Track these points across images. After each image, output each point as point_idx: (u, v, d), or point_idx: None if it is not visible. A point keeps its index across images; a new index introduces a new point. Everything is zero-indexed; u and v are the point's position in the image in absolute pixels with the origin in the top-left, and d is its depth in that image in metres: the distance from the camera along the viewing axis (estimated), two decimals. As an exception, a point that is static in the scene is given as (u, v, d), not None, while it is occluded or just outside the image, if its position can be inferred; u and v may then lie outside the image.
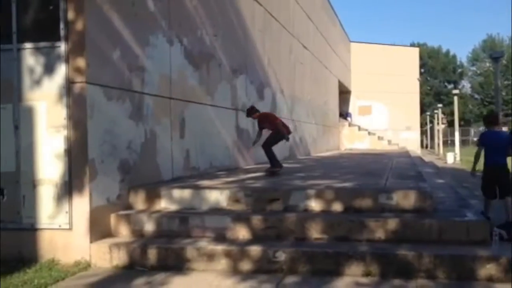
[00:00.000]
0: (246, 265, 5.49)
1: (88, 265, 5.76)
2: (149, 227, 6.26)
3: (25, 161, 6.13)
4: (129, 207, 6.73)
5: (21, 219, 6.10)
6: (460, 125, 29.68)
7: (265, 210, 6.48)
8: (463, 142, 43.74)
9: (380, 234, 5.74)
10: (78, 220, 5.97)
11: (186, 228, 6.18)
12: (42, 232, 6.04)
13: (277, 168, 9.10)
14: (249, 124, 11.70)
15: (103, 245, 5.90)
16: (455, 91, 33.63)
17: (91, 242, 5.92)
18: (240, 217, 6.19)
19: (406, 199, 6.26)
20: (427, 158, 10.30)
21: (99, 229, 6.09)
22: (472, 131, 57.69)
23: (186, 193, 6.80)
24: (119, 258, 5.76)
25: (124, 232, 6.29)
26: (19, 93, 6.15)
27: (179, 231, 6.16)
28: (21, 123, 6.16)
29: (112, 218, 6.35)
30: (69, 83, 6.02)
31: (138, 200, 6.81)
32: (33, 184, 6.10)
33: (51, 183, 6.06)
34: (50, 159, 6.07)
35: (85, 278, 5.38)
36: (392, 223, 5.75)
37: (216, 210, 6.53)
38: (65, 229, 5.98)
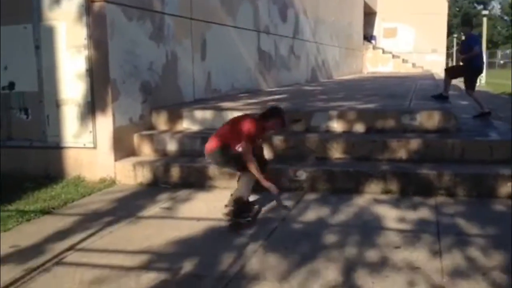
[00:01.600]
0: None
1: (113, 182, 5.94)
2: (171, 146, 6.34)
3: (47, 81, 6.17)
4: (151, 127, 6.80)
5: (46, 137, 6.24)
6: (487, 48, 28.58)
7: (287, 130, 6.47)
8: (490, 65, 42.17)
9: (401, 154, 5.71)
10: (102, 139, 6.07)
11: (208, 148, 6.23)
12: (67, 151, 6.19)
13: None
14: (271, 46, 11.48)
15: (127, 163, 6.04)
16: (485, 12, 32.14)
17: (115, 160, 6.05)
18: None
19: (429, 119, 6.16)
20: (454, 81, 9.98)
21: (122, 148, 6.20)
22: (499, 53, 55.64)
23: (207, 114, 6.81)
24: (143, 176, 5.91)
25: (147, 152, 6.40)
26: (39, 12, 6.08)
27: (201, 150, 6.10)
28: (42, 43, 6.14)
29: (135, 138, 6.44)
30: (88, 2, 5.90)
31: (160, 121, 6.86)
32: (56, 104, 6.17)
33: (74, 103, 6.12)
34: (72, 79, 6.09)
35: (111, 193, 5.56)
36: (414, 143, 5.71)
37: (238, 131, 6.53)
38: (89, 147, 6.11)
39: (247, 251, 3.86)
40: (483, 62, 8.25)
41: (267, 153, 6.03)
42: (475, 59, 7.76)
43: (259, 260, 3.70)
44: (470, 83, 7.80)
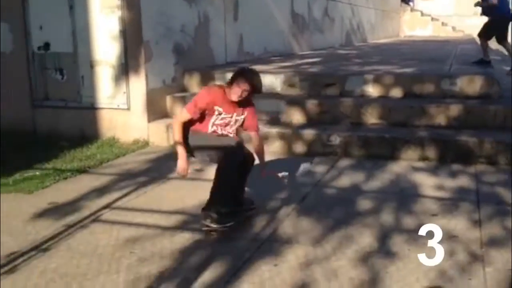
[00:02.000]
0: (300, 147, 5.51)
1: (146, 144, 5.97)
2: (204, 109, 6.30)
3: (81, 42, 6.17)
4: (184, 89, 6.77)
5: (81, 98, 6.28)
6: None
7: (320, 95, 6.36)
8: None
9: (440, 120, 5.54)
10: (135, 101, 6.08)
11: (241, 110, 6.19)
12: (101, 112, 6.23)
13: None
14: (305, 8, 11.19)
15: (160, 125, 6.05)
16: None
17: (148, 122, 6.07)
18: (294, 101, 6.12)
19: (470, 84, 5.94)
20: (495, 45, 9.50)
21: (155, 110, 6.21)
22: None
23: (240, 77, 6.72)
24: (176, 137, 5.91)
25: (180, 114, 6.38)
26: (72, -29, 6.03)
27: (234, 113, 6.18)
28: (76, 3, 6.10)
29: (168, 100, 6.43)
30: (120, -39, 5.82)
31: (193, 83, 6.82)
32: (90, 65, 6.18)
33: (108, 64, 6.12)
34: (106, 40, 6.07)
35: (145, 154, 5.60)
36: (454, 109, 5.52)
37: (271, 94, 6.45)
38: (123, 109, 6.13)
39: (279, 215, 3.84)
40: (508, 10, 7.78)
41: (300, 117, 5.96)
42: (497, 9, 7.39)
43: (291, 223, 3.67)
44: (499, 35, 7.49)
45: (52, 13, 6.21)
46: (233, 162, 3.49)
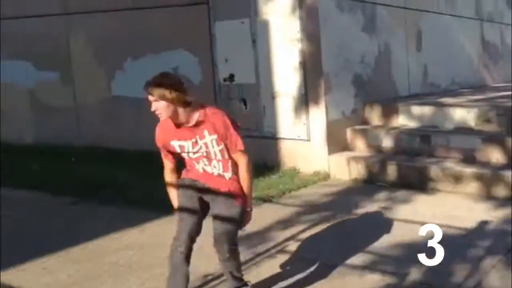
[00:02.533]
0: (501, 191, 4.80)
1: (327, 176, 5.79)
2: (386, 143, 5.94)
3: (263, 73, 6.30)
4: (364, 122, 6.50)
5: (263, 128, 6.37)
6: None
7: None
8: None
9: None
10: (315, 132, 5.98)
11: (428, 147, 5.70)
12: (282, 142, 6.23)
13: None
14: (497, 37, 10.23)
15: (341, 158, 5.85)
16: None
17: (329, 154, 5.91)
18: (492, 139, 5.43)
19: None
20: None
21: (335, 142, 6.03)
22: None
23: (426, 110, 6.24)
24: (358, 171, 5.64)
25: (360, 147, 6.10)
26: (255, 7, 6.24)
27: (420, 149, 5.71)
28: (258, 37, 6.28)
29: (348, 132, 6.22)
30: (300, -4, 5.90)
31: (374, 116, 6.51)
32: (272, 96, 6.26)
33: (288, 95, 6.14)
34: (286, 71, 6.12)
35: (326, 187, 5.44)
36: None
37: (462, 130, 5.83)
38: (303, 140, 6.06)
39: (483, 265, 3.36)
40: None
41: (500, 157, 5.23)
42: None
43: (499, 277, 3.19)
44: None
45: (236, 47, 6.45)
46: (173, 255, 2.84)
